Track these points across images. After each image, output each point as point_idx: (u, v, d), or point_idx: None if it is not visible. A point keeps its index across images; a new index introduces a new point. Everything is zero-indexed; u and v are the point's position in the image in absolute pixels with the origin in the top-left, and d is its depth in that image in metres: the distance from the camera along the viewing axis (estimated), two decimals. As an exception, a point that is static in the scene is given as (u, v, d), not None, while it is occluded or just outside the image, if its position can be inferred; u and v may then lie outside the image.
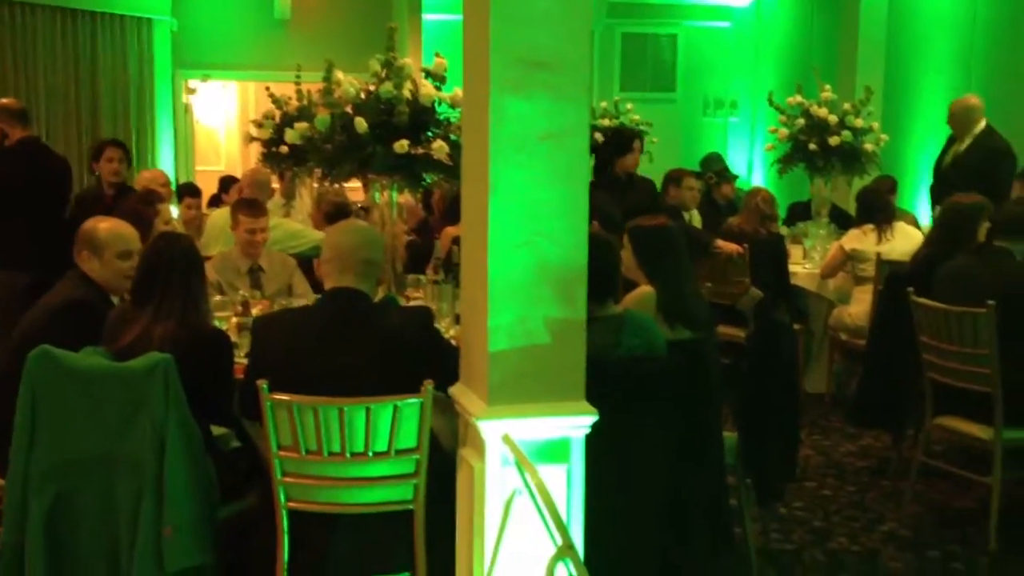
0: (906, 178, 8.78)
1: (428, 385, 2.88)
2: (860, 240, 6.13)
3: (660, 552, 3.31)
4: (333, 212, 6.78)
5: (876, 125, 7.23)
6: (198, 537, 3.06)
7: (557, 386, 2.69)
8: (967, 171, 6.60)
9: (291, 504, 2.98)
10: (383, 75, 4.29)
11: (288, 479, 2.97)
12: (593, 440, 2.71)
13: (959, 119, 7.12)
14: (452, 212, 5.68)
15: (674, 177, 6.94)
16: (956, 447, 4.99)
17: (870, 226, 6.13)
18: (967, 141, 7.01)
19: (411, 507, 2.97)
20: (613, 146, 7.14)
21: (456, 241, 4.82)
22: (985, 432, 4.26)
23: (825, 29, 10.29)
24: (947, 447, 5.08)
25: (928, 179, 8.69)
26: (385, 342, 3.03)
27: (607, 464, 2.87)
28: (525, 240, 2.64)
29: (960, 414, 4.43)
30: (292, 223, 6.30)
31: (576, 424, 2.67)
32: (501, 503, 2.66)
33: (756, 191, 7.05)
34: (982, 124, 7.04)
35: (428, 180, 4.25)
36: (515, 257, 2.64)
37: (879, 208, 6.23)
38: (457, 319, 4.25)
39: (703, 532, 3.47)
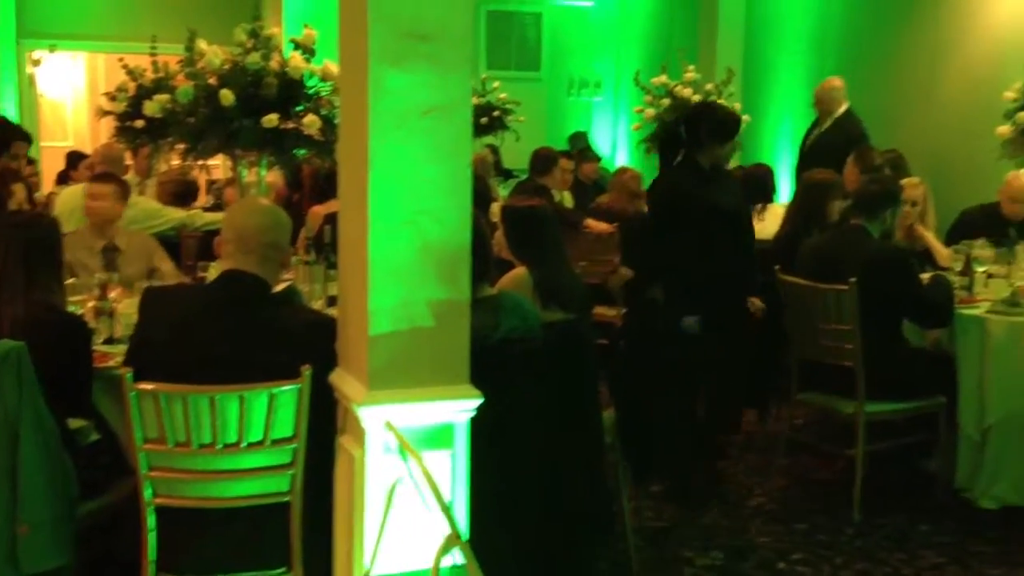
0: (763, 157, 9.00)
1: (306, 371, 2.76)
2: None
3: (541, 533, 3.29)
4: (180, 191, 6.54)
5: (738, 106, 7.37)
6: (56, 536, 2.87)
7: (441, 370, 2.61)
8: (826, 152, 6.82)
9: (158, 500, 2.81)
10: (249, 45, 4.10)
11: (154, 473, 2.80)
12: (474, 423, 2.65)
13: (823, 101, 7.37)
14: (322, 189, 5.51)
15: (551, 156, 6.92)
16: (819, 421, 5.13)
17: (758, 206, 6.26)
18: (828, 123, 7.29)
19: (287, 499, 2.84)
20: (710, 128, 4.77)
21: (327, 220, 4.68)
22: (848, 406, 4.40)
23: (687, 11, 10.44)
24: (810, 421, 5.23)
25: (785, 159, 8.97)
26: (275, 336, 2.87)
27: (488, 447, 2.82)
28: (407, 219, 2.54)
29: (824, 389, 4.56)
30: (150, 201, 6.02)
31: (461, 408, 2.60)
32: (383, 493, 2.57)
33: (624, 170, 7.12)
34: (844, 107, 7.30)
35: (299, 155, 4.09)
36: (397, 237, 2.54)
37: (764, 190, 6.37)
38: (330, 301, 4.13)
39: (583, 512, 3.45)
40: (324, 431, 2.81)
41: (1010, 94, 5.01)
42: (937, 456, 4.62)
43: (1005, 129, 4.98)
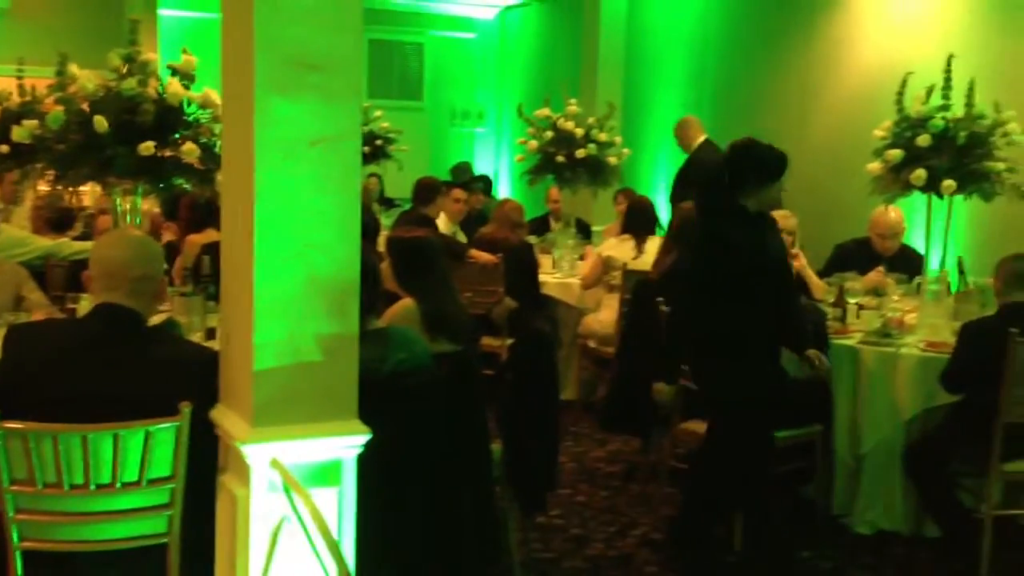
0: (642, 189, 9.17)
1: (185, 408, 2.66)
2: (616, 248, 6.32)
3: (429, 567, 3.24)
4: (56, 218, 6.28)
5: (619, 139, 7.50)
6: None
7: (328, 405, 2.56)
8: (689, 183, 7.08)
9: (25, 544, 2.66)
10: (124, 71, 3.96)
11: (22, 516, 2.65)
12: (362, 459, 2.59)
13: (681, 138, 7.94)
14: (201, 219, 5.36)
15: (433, 186, 6.90)
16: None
17: (629, 236, 6.34)
18: (688, 156, 7.74)
19: (165, 541, 2.72)
20: (755, 169, 4.20)
21: (206, 250, 4.55)
22: (728, 434, 4.46)
23: (568, 44, 10.61)
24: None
25: (662, 191, 9.16)
26: (151, 371, 2.76)
27: (377, 481, 2.76)
28: (295, 252, 2.48)
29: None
30: (14, 229, 5.77)
31: (349, 444, 2.55)
32: (268, 532, 2.49)
33: (506, 201, 7.15)
34: (701, 139, 7.78)
35: (177, 184, 3.96)
36: (283, 269, 2.48)
37: (647, 221, 6.47)
38: (209, 333, 4.01)
39: (472, 544, 3.42)
40: (204, 470, 2.71)
41: (879, 132, 5.20)
42: (815, 483, 4.74)
43: (875, 166, 5.16)
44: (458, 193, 7.13)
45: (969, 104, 5.08)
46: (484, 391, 3.63)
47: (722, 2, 9.17)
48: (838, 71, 7.92)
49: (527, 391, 3.81)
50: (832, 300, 5.15)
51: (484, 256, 6.24)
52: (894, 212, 5.80)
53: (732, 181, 4.15)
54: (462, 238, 6.85)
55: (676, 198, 7.48)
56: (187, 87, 3.99)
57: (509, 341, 5.71)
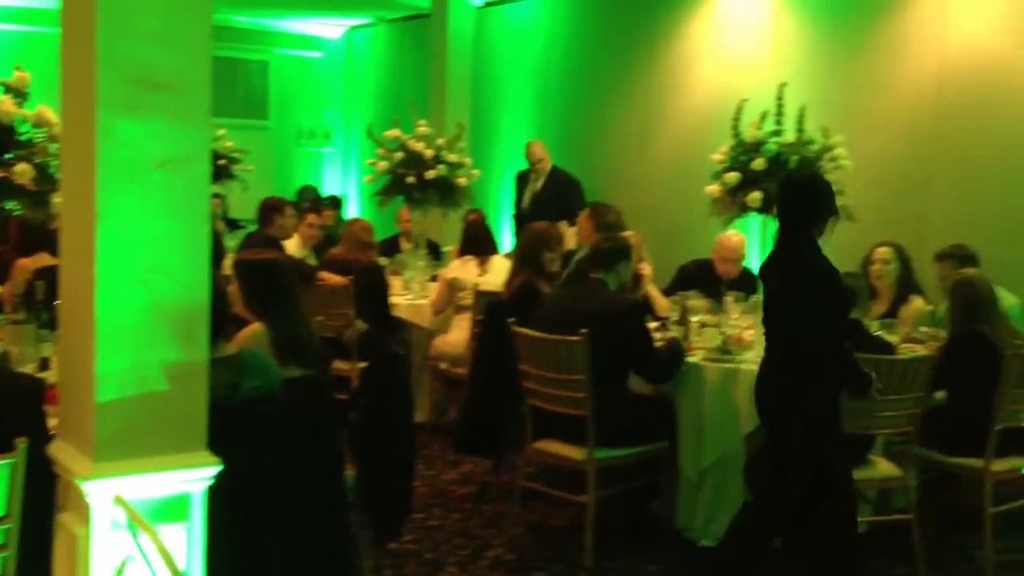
0: (491, 210, 9.27)
1: (20, 444, 2.52)
2: (461, 270, 6.35)
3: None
4: None
5: (468, 160, 7.54)
6: None
7: (176, 437, 2.47)
8: (546, 205, 7.21)
9: None
10: (-53, 87, 3.76)
11: None
12: (212, 490, 2.52)
13: (533, 160, 8.21)
14: (30, 243, 5.11)
15: (276, 206, 6.77)
16: (550, 469, 5.26)
17: (471, 256, 6.37)
18: (541, 180, 7.94)
19: (-1, 585, 2.58)
20: (828, 201, 4.11)
21: (39, 275, 4.33)
22: (579, 453, 4.54)
23: (417, 65, 10.63)
24: (542, 469, 5.35)
25: (509, 212, 9.27)
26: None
27: (228, 511, 2.68)
28: (139, 277, 2.40)
29: (556, 437, 4.69)
30: None
31: (198, 477, 2.47)
32: (110, 573, 2.39)
33: (355, 221, 7.07)
34: (550, 165, 8.20)
35: (9, 207, 3.77)
36: (127, 296, 2.39)
37: (484, 240, 6.52)
38: (43, 363, 3.81)
39: (326, 572, 3.36)
40: (40, 508, 2.58)
41: (717, 156, 5.41)
42: (662, 498, 4.85)
43: (714, 189, 5.37)
44: (312, 219, 7.03)
45: (800, 130, 5.34)
46: (337, 416, 3.58)
47: (565, 31, 9.36)
48: (678, 98, 8.19)
49: (381, 415, 3.77)
50: (676, 318, 5.30)
51: (334, 278, 6.16)
52: (736, 238, 6.04)
53: (810, 216, 4.03)
54: (312, 261, 6.74)
55: (527, 220, 7.57)
56: (20, 105, 3.80)
57: (361, 364, 5.65)
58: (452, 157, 7.32)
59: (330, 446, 3.38)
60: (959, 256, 5.38)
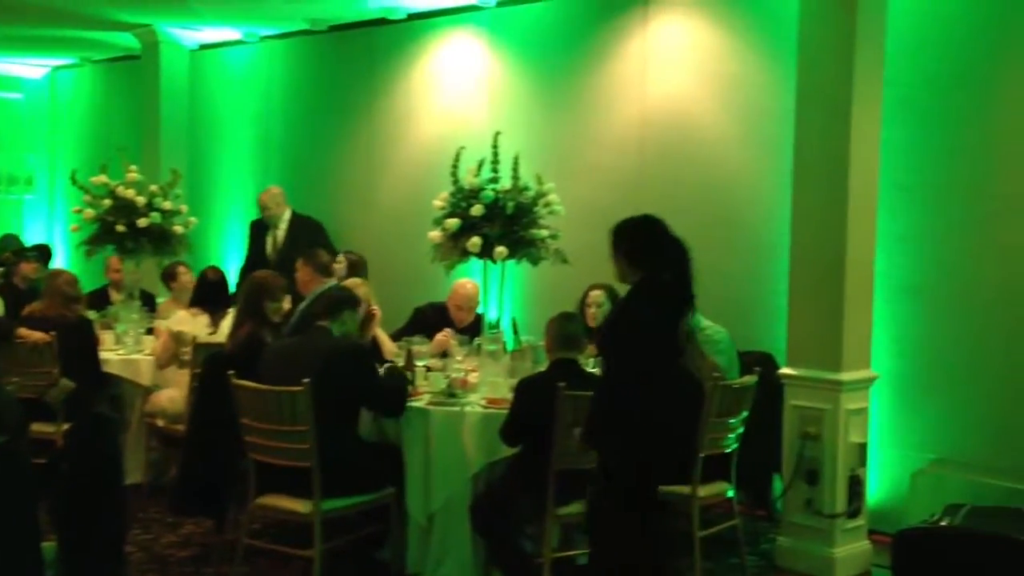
0: (212, 259, 8.95)
1: None
2: (190, 323, 6.04)
3: None
4: None
5: (184, 208, 7.27)
6: None
7: None
8: (293, 251, 7.04)
9: None
10: None
11: None
12: None
13: (271, 208, 8.03)
14: None
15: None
16: (277, 523, 5.11)
17: (200, 310, 6.09)
18: (283, 227, 7.88)
19: None
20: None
21: None
22: (305, 506, 4.43)
23: (127, 108, 10.17)
24: (269, 524, 5.19)
25: (233, 261, 9.00)
26: None
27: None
28: None
29: (281, 491, 4.56)
30: None
31: None
32: None
33: (58, 273, 6.63)
34: (289, 211, 8.06)
35: None
36: None
37: (220, 295, 6.24)
38: None
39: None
40: None
41: (438, 203, 5.50)
42: (389, 545, 4.82)
43: (436, 234, 5.44)
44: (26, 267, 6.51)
45: (515, 177, 5.52)
46: (34, 485, 3.31)
47: (284, 77, 9.24)
48: (402, 145, 8.27)
49: (85, 480, 3.53)
50: (403, 363, 5.31)
51: (35, 335, 5.74)
52: (472, 285, 6.20)
53: (654, 261, 4.07)
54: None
55: (271, 267, 7.30)
56: None
57: (65, 426, 5.28)
58: (167, 204, 7.02)
59: (22, 519, 3.11)
60: None
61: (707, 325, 5.67)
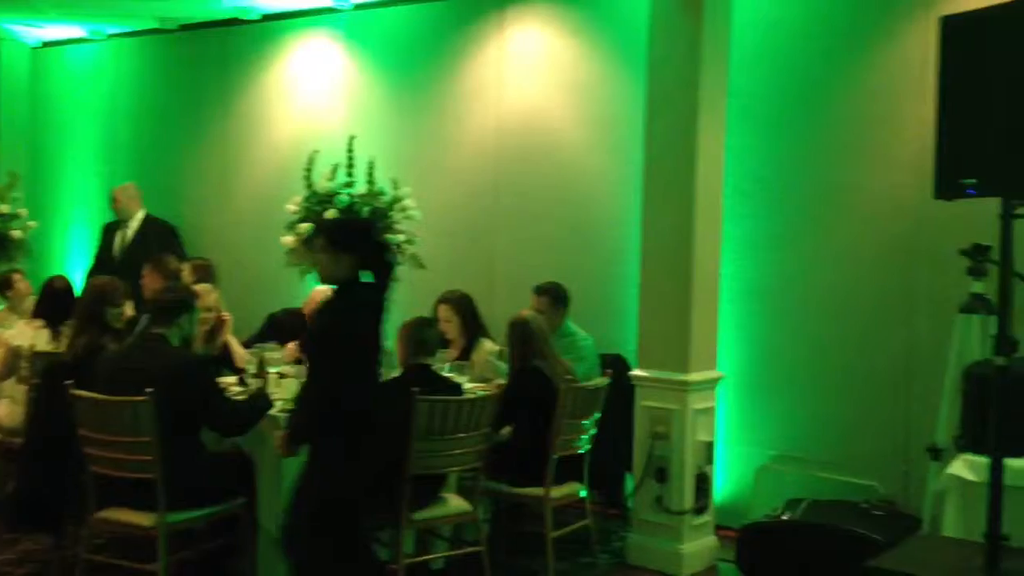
0: (55, 266, 8.61)
1: None
2: (29, 336, 5.73)
3: None
4: None
5: (24, 211, 6.96)
6: None
7: None
8: (142, 253, 6.82)
9: None
10: None
11: None
12: None
13: (121, 202, 7.85)
14: None
15: None
16: (121, 537, 4.93)
17: (42, 322, 5.78)
18: (134, 227, 7.61)
19: None
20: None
21: None
22: (148, 519, 4.29)
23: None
24: (112, 539, 5.00)
25: (78, 265, 8.66)
26: None
27: None
28: None
29: (123, 504, 4.40)
30: None
31: None
32: None
33: None
34: (143, 211, 7.87)
35: None
36: None
37: (65, 307, 5.93)
38: None
39: None
40: None
41: (291, 207, 5.42)
42: (241, 556, 4.71)
43: (289, 239, 5.36)
44: None
45: (370, 181, 5.49)
46: None
47: (132, 75, 8.95)
48: (256, 148, 8.11)
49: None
50: (254, 370, 5.20)
51: None
52: (329, 292, 6.03)
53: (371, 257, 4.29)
54: None
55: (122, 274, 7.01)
56: None
57: None
58: (4, 208, 6.73)
59: None
60: (553, 293, 5.80)
61: (575, 331, 5.76)
